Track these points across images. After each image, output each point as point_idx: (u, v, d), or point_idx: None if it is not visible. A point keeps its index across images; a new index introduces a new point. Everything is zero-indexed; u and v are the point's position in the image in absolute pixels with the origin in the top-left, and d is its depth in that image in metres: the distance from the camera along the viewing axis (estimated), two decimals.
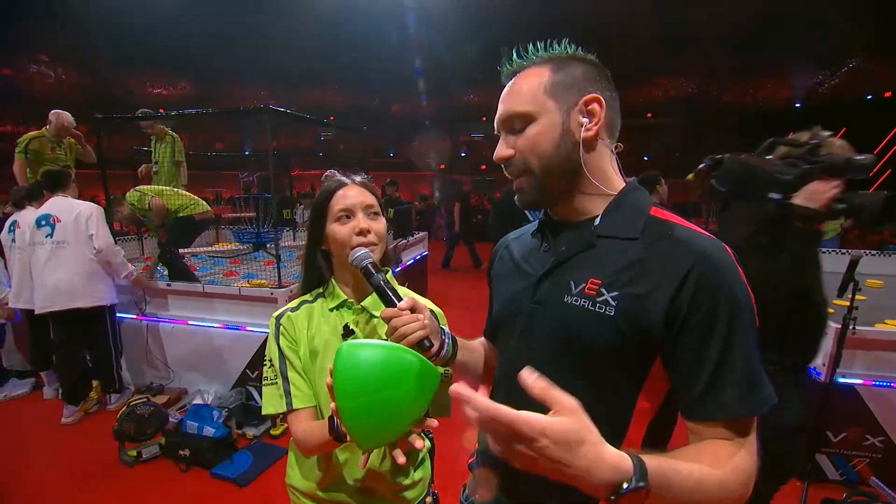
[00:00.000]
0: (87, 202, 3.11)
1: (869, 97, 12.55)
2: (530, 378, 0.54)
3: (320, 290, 1.09)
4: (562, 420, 0.51)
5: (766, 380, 0.67)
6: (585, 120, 0.73)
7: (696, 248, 0.67)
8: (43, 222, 2.91)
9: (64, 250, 2.89)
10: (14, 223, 3.20)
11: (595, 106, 0.73)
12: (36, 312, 2.93)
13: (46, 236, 2.88)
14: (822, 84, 12.85)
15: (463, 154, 17.73)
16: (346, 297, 1.05)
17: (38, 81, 13.80)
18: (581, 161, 0.74)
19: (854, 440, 2.41)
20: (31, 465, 2.60)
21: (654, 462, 0.56)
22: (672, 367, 0.68)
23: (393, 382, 0.75)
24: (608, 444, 0.54)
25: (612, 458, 0.53)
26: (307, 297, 1.09)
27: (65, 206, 2.96)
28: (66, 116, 4.05)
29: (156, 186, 3.79)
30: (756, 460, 0.66)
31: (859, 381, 2.37)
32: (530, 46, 0.78)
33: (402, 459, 0.78)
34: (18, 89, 12.89)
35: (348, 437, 0.80)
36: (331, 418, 0.91)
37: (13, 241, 3.17)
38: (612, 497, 0.52)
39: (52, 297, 2.86)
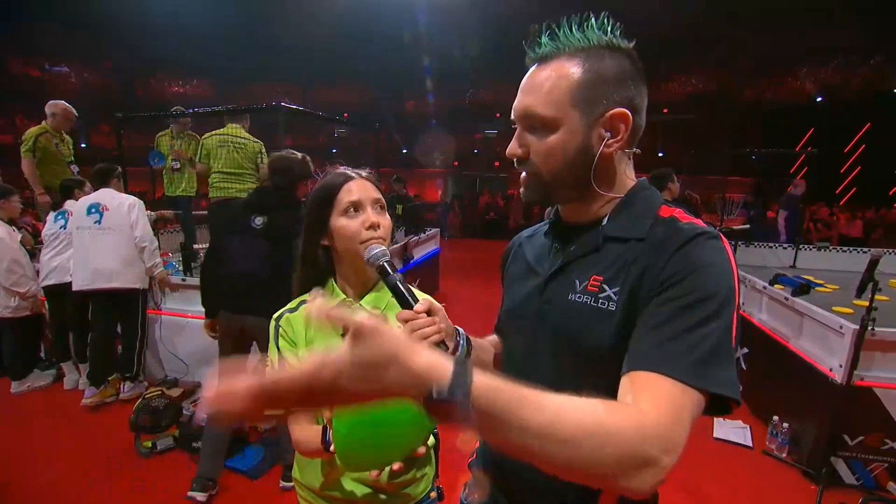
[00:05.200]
0: (132, 196, 3.34)
1: None
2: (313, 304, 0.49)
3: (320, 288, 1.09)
4: (364, 349, 0.47)
5: (730, 370, 0.59)
6: (608, 135, 0.70)
7: (689, 233, 0.66)
8: (93, 210, 3.15)
9: (108, 236, 3.12)
10: (65, 212, 3.45)
11: (621, 124, 0.69)
12: (74, 289, 3.11)
13: (95, 222, 3.13)
14: (846, 78, 12.48)
15: (476, 151, 17.68)
16: (344, 296, 1.05)
17: (61, 82, 14.12)
18: (592, 173, 0.72)
19: (872, 444, 2.35)
20: (52, 454, 2.68)
21: (487, 380, 0.47)
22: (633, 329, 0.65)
23: (394, 418, 0.74)
24: (423, 351, 0.47)
25: (422, 369, 0.45)
26: (306, 296, 1.08)
27: (112, 197, 3.23)
28: (71, 107, 4.10)
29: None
30: (673, 428, 0.53)
31: (878, 384, 2.31)
32: (563, 26, 0.70)
33: (374, 473, 0.80)
34: (41, 90, 13.22)
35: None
36: (324, 429, 0.91)
37: (62, 227, 3.39)
38: (423, 405, 0.46)
39: (93, 277, 3.09)
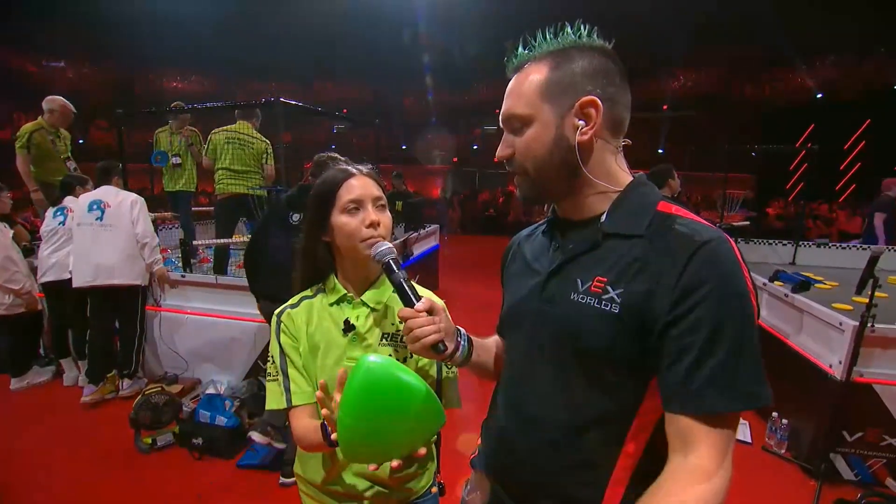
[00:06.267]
0: (133, 193, 3.35)
1: None
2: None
3: (320, 284, 1.09)
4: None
5: (759, 378, 0.64)
6: (581, 123, 0.72)
7: (697, 239, 0.66)
8: (94, 206, 3.17)
9: (110, 232, 3.15)
10: (64, 209, 3.45)
11: (591, 110, 0.72)
12: (74, 285, 3.11)
13: (97, 219, 3.15)
14: (846, 75, 12.44)
15: (475, 147, 17.64)
16: (345, 292, 1.05)
17: (58, 77, 14.04)
18: (579, 163, 0.73)
19: (871, 440, 2.36)
20: (52, 451, 2.68)
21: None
22: (659, 355, 0.67)
23: (399, 416, 0.75)
24: None
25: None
26: (307, 292, 1.09)
27: (114, 194, 3.25)
28: (69, 103, 4.08)
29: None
30: (726, 466, 0.65)
31: (878, 380, 2.31)
32: (538, 36, 0.76)
33: (372, 467, 0.81)
34: (39, 86, 13.13)
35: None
36: (322, 425, 0.91)
37: (61, 223, 3.39)
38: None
39: (95, 273, 3.11)
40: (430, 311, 0.86)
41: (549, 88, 0.73)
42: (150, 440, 2.66)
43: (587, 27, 0.75)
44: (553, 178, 0.75)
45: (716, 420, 0.63)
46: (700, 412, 0.63)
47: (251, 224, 3.90)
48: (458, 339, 0.90)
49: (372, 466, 0.79)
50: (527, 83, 0.74)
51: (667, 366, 0.66)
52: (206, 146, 3.99)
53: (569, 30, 0.75)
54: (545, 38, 0.75)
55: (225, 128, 3.93)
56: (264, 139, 4.02)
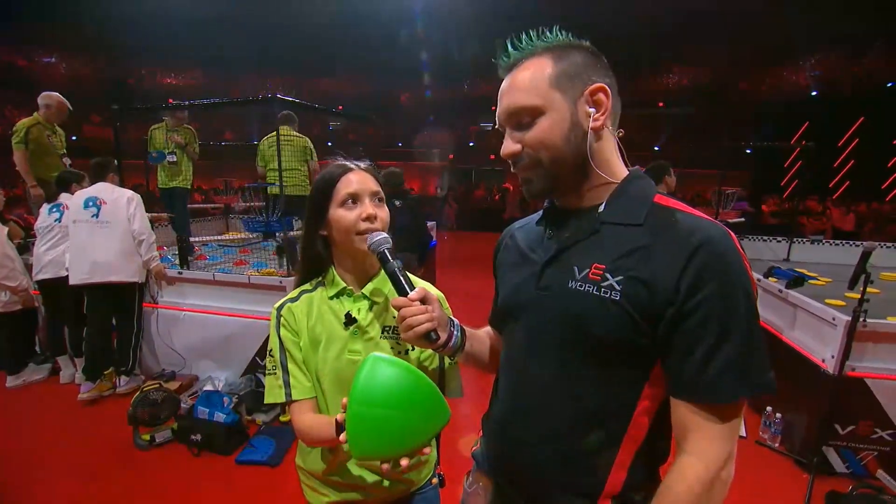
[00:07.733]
0: (130, 190, 3.34)
1: (889, 84, 12.16)
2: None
3: (319, 278, 1.09)
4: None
5: (766, 366, 0.68)
6: (592, 110, 0.73)
7: (700, 234, 0.67)
8: (90, 203, 3.16)
9: (106, 229, 3.14)
10: (59, 205, 3.43)
11: (601, 96, 0.73)
12: (71, 283, 3.11)
13: (93, 216, 3.14)
14: (840, 73, 12.49)
15: (471, 144, 17.60)
16: (345, 285, 1.05)
17: (53, 72, 13.90)
18: (588, 151, 0.74)
19: (862, 433, 2.39)
20: (50, 449, 2.67)
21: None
22: (669, 347, 0.69)
23: (407, 406, 0.77)
24: None
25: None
26: (307, 286, 1.09)
27: (110, 191, 3.24)
28: (65, 100, 4.07)
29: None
30: (731, 448, 0.69)
31: (869, 374, 2.35)
32: (524, 37, 0.76)
33: (385, 467, 0.80)
34: (33, 81, 12.99)
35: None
36: (337, 420, 0.91)
37: (57, 220, 3.38)
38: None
39: (92, 270, 3.10)
40: (424, 301, 0.87)
41: (558, 77, 0.73)
42: (148, 437, 2.66)
43: (564, 32, 0.77)
44: (569, 167, 0.75)
45: (726, 409, 0.67)
46: (715, 401, 0.66)
47: (246, 221, 3.86)
48: (452, 329, 0.91)
49: (385, 467, 0.79)
50: (532, 75, 0.74)
51: (679, 357, 0.67)
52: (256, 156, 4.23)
53: (548, 34, 0.76)
54: (531, 38, 0.76)
55: (269, 135, 4.12)
56: (303, 136, 4.21)
